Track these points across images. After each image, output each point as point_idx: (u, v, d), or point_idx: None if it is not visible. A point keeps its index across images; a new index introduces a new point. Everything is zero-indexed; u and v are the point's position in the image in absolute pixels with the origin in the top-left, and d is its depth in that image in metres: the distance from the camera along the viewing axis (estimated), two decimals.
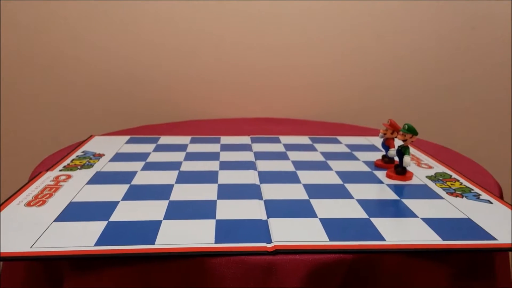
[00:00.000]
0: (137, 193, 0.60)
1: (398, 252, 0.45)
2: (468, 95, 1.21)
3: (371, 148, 0.87)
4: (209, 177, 0.67)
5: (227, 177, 0.67)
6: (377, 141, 0.90)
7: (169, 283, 0.44)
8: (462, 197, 0.60)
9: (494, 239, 0.48)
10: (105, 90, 1.16)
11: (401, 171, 0.67)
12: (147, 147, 0.84)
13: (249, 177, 0.67)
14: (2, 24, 1.09)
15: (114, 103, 1.17)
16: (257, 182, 0.65)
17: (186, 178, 0.67)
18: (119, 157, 0.77)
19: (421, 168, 0.73)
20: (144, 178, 0.66)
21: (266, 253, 0.44)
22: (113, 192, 0.60)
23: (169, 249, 0.44)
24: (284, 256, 0.43)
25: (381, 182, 0.66)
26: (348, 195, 0.60)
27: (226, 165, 0.73)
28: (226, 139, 0.92)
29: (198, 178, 0.66)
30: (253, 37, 1.14)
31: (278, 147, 0.86)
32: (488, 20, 1.15)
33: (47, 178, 0.65)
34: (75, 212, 0.53)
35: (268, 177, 0.67)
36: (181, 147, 0.85)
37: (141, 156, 0.78)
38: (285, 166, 0.74)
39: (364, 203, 0.57)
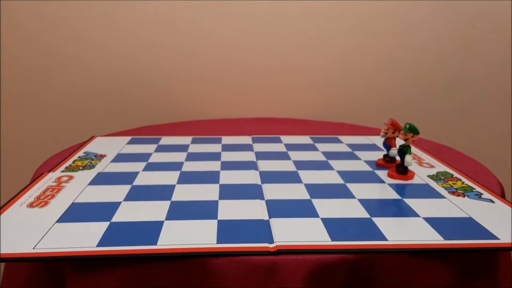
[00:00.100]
0: (139, 193, 0.60)
1: (400, 251, 0.45)
2: (469, 94, 1.21)
3: (373, 147, 0.87)
4: (210, 177, 0.67)
5: (229, 177, 0.67)
6: (379, 140, 0.90)
7: (171, 283, 0.44)
8: (464, 196, 0.60)
9: (496, 238, 0.48)
10: (106, 90, 1.16)
11: (402, 170, 0.67)
12: (149, 148, 0.84)
13: (250, 177, 0.67)
14: (2, 24, 1.09)
15: (115, 103, 1.17)
16: (259, 182, 0.65)
17: (187, 178, 0.67)
18: (120, 157, 0.77)
19: (423, 168, 0.73)
20: (145, 178, 0.66)
21: (268, 253, 0.44)
22: (115, 192, 0.60)
23: (171, 250, 0.44)
24: (286, 256, 0.43)
25: (383, 182, 0.66)
26: (349, 195, 0.60)
27: (228, 165, 0.73)
28: (227, 139, 0.92)
29: (199, 179, 0.66)
30: (253, 37, 1.14)
31: (279, 147, 0.86)
32: (489, 19, 1.15)
33: (49, 179, 0.65)
34: (77, 213, 0.53)
35: (269, 177, 0.67)
36: (182, 148, 0.85)
37: (143, 157, 0.78)
38: (286, 166, 0.74)
39: (366, 203, 0.57)
